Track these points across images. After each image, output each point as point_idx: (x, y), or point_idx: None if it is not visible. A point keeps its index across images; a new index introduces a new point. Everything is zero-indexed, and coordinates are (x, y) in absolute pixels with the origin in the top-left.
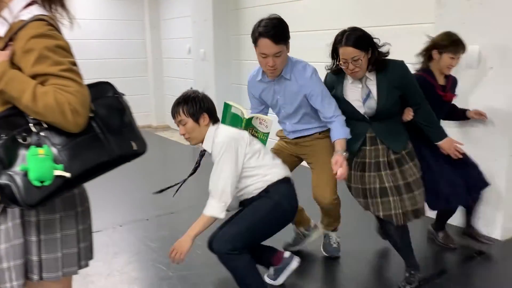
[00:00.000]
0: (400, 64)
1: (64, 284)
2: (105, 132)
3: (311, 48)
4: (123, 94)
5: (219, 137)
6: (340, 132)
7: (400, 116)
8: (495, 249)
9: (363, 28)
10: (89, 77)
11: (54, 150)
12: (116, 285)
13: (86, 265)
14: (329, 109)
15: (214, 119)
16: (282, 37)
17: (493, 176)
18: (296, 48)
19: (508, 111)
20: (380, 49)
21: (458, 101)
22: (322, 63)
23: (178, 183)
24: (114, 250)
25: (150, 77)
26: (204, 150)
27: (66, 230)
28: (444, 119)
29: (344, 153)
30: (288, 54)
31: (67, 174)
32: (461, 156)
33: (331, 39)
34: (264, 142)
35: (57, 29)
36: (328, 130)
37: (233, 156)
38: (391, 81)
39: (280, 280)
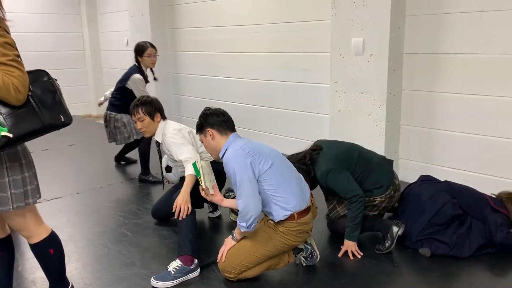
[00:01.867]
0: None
1: (20, 216)
2: (40, 107)
3: (239, 40)
4: (55, 79)
5: (168, 133)
6: None
7: None
8: None
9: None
10: (29, 68)
11: (1, 117)
12: (80, 238)
13: (35, 202)
14: None
15: (163, 117)
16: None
17: (375, 137)
18: (225, 41)
19: (382, 86)
20: None
21: (356, 78)
22: (246, 53)
23: (161, 179)
24: (76, 209)
25: (88, 69)
26: (158, 141)
27: (13, 176)
28: None
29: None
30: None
31: (10, 135)
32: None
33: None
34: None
35: (5, 29)
36: None
37: (179, 134)
38: None
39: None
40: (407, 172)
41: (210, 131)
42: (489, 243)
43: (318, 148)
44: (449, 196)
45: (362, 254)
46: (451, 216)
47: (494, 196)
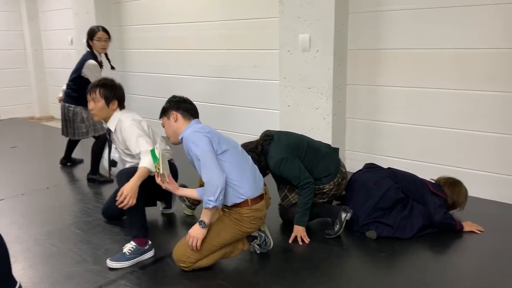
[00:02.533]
0: None
1: None
2: None
3: (187, 37)
4: None
5: (126, 121)
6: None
7: None
8: None
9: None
10: None
11: None
12: (27, 239)
13: None
14: None
15: (121, 106)
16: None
17: (322, 130)
18: (173, 38)
19: (328, 80)
20: None
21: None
22: (195, 51)
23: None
24: (20, 211)
25: (30, 68)
26: (109, 129)
27: None
28: None
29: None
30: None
31: None
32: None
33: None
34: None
35: None
36: None
37: (139, 126)
38: None
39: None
40: (353, 163)
41: (174, 113)
42: (429, 224)
43: (269, 138)
44: (392, 182)
45: (309, 240)
46: (395, 200)
47: (433, 181)
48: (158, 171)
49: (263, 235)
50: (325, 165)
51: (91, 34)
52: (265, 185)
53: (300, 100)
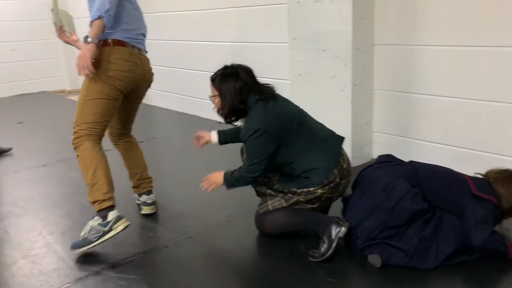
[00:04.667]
0: None
1: None
2: None
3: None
4: None
5: None
6: None
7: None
8: None
9: None
10: None
11: None
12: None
13: None
14: None
15: None
16: None
17: (340, 106)
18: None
19: (346, 40)
20: None
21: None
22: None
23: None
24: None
25: (58, 40)
26: None
27: None
28: None
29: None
30: None
31: None
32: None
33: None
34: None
35: None
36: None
37: None
38: None
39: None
40: (382, 148)
41: None
42: (465, 247)
43: (269, 94)
44: (409, 185)
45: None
46: (412, 213)
47: (480, 176)
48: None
49: None
50: (317, 156)
51: None
52: None
53: (312, 67)
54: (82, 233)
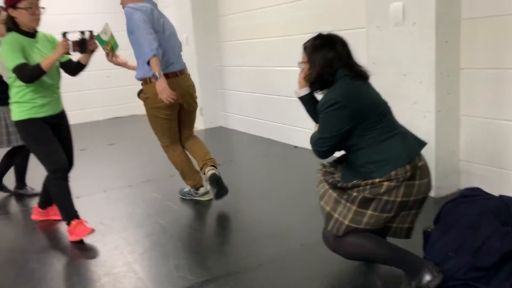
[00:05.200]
0: None
1: None
2: None
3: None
4: None
5: None
6: None
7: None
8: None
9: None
10: None
11: None
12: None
13: None
14: None
15: None
16: None
17: (423, 132)
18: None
19: (429, 64)
20: None
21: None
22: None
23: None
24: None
25: None
26: None
27: None
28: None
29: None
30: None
31: None
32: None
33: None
34: (115, 46)
35: None
36: None
37: None
38: None
39: None
40: (471, 179)
41: None
42: None
43: (361, 74)
44: (498, 222)
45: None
46: (501, 254)
47: None
48: (108, 50)
49: None
50: (390, 148)
51: None
52: None
53: (392, 92)
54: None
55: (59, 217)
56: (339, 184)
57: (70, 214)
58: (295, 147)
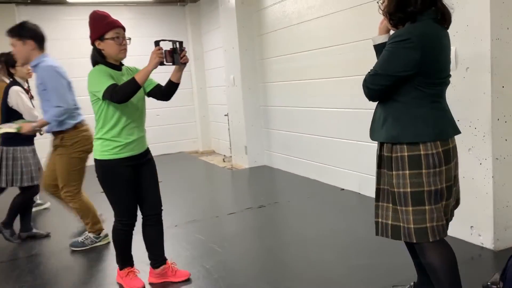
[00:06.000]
0: None
1: None
2: None
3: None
4: None
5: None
6: None
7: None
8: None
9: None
10: None
11: None
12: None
13: None
14: None
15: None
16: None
17: (480, 180)
18: (306, 67)
19: (485, 109)
20: None
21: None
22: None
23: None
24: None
25: (196, 105)
26: None
27: None
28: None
29: None
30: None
31: None
32: None
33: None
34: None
35: None
36: None
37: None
38: None
39: None
40: None
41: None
42: None
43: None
44: None
45: None
46: None
47: None
48: None
49: None
50: (433, 114)
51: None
52: None
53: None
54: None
55: (177, 279)
56: (384, 154)
57: (125, 261)
58: (342, 189)
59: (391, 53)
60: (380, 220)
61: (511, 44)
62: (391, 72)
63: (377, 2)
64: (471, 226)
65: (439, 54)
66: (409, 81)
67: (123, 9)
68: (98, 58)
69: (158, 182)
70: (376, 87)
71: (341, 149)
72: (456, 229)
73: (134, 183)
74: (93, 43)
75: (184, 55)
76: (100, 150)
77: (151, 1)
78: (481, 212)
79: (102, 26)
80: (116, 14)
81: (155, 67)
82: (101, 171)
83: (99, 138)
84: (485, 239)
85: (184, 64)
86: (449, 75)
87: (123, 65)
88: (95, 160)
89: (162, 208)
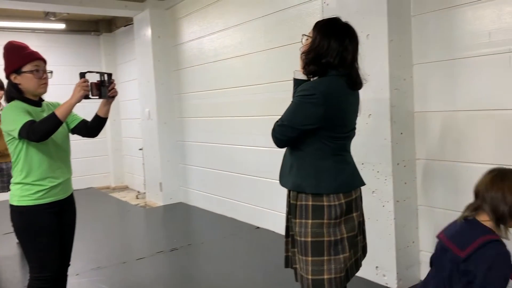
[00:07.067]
0: None
1: None
2: None
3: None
4: None
5: None
6: None
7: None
8: None
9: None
10: None
11: None
12: None
13: None
14: None
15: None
16: None
17: (384, 222)
18: (228, 104)
19: (386, 155)
20: None
21: None
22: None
23: None
24: None
25: (108, 138)
26: None
27: None
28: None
29: None
30: None
31: None
32: None
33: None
34: None
35: None
36: None
37: None
38: None
39: None
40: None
41: None
42: None
43: (355, 82)
44: None
45: None
46: None
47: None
48: None
49: None
50: (336, 167)
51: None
52: None
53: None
54: None
55: None
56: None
57: None
58: (257, 227)
59: (297, 106)
60: (290, 254)
61: (408, 94)
62: (296, 125)
63: (301, 41)
64: (376, 267)
65: (343, 111)
66: (314, 134)
67: (32, 36)
68: (14, 93)
69: (74, 234)
70: (284, 137)
71: (257, 187)
72: (363, 269)
73: (57, 232)
74: (8, 77)
75: (113, 88)
76: (19, 195)
77: (62, 29)
78: (385, 252)
79: (19, 58)
80: (23, 41)
81: (79, 101)
82: (20, 219)
83: (18, 183)
84: (389, 279)
85: (113, 97)
86: (354, 128)
87: (43, 100)
88: (12, 206)
89: (68, 264)
